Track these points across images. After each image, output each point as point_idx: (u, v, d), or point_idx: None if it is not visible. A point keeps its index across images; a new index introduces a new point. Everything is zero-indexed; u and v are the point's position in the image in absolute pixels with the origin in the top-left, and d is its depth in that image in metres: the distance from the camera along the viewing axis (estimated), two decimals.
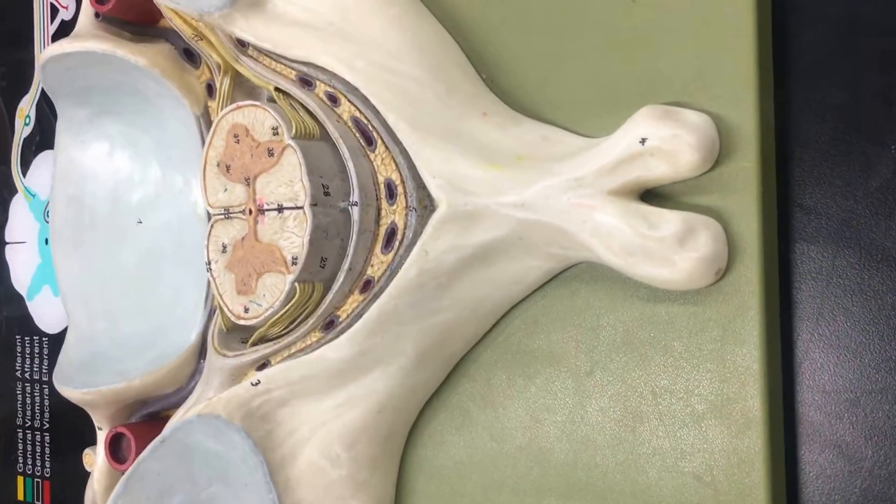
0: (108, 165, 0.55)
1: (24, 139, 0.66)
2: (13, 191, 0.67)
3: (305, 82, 0.46)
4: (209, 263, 0.48)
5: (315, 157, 0.44)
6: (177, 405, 0.51)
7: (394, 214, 0.43)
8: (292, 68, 0.46)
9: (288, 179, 0.45)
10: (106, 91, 0.53)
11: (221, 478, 0.47)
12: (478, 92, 0.44)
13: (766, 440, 0.38)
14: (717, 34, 0.39)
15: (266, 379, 0.45)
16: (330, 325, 0.45)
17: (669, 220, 0.38)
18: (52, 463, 0.64)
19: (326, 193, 0.44)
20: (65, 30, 0.63)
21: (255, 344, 0.47)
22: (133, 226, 0.55)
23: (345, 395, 0.45)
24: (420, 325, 0.44)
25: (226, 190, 0.47)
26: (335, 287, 0.44)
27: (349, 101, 0.44)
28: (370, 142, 0.44)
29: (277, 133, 0.45)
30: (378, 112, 0.43)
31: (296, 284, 0.44)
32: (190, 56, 0.51)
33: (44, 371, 0.65)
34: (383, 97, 0.43)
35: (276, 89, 0.47)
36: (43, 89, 0.60)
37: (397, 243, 0.43)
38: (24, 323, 0.66)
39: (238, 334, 0.49)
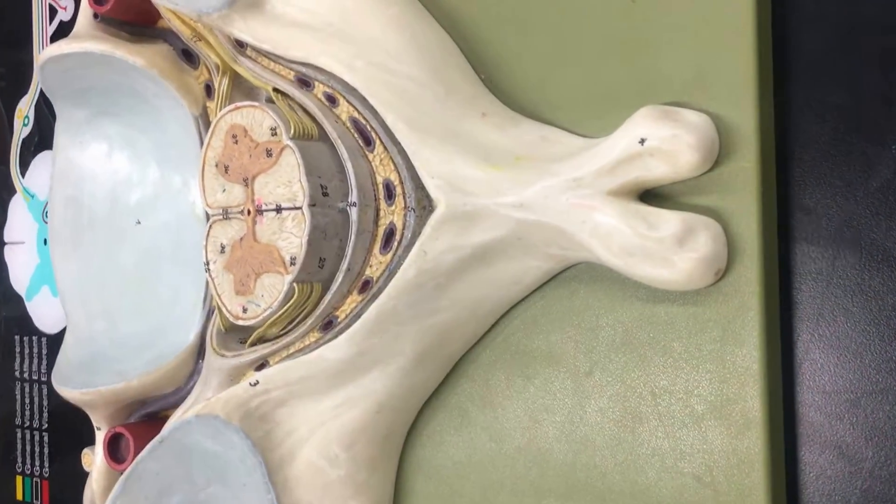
0: (106, 166, 0.55)
1: (23, 140, 0.66)
2: (12, 191, 0.67)
3: (304, 83, 0.45)
4: (207, 264, 0.48)
5: (313, 158, 0.44)
6: (175, 405, 0.50)
7: (392, 215, 0.43)
8: (291, 69, 0.46)
9: (286, 180, 0.44)
10: (104, 92, 0.53)
11: (220, 478, 0.46)
12: (477, 92, 0.44)
13: (766, 441, 0.38)
14: (716, 34, 0.39)
15: (265, 379, 0.45)
16: (328, 326, 0.44)
17: (669, 220, 0.38)
18: (51, 463, 0.64)
19: (325, 194, 0.43)
20: (63, 30, 0.62)
21: (253, 344, 0.47)
22: (132, 226, 0.55)
23: (343, 395, 0.45)
24: (419, 326, 0.43)
25: (224, 190, 0.47)
26: (334, 287, 0.44)
27: (348, 101, 0.44)
28: (369, 142, 0.44)
29: (276, 133, 0.45)
30: (377, 112, 0.43)
31: (294, 285, 0.44)
32: (188, 57, 0.51)
33: (43, 371, 0.64)
34: (382, 98, 0.43)
35: (275, 90, 0.46)
36: (42, 90, 0.60)
37: (396, 244, 0.43)
38: (23, 323, 0.66)
39: (236, 334, 0.49)
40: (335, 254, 0.44)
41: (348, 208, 0.44)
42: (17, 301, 0.66)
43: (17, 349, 0.66)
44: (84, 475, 0.53)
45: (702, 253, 0.38)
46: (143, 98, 0.52)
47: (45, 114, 0.64)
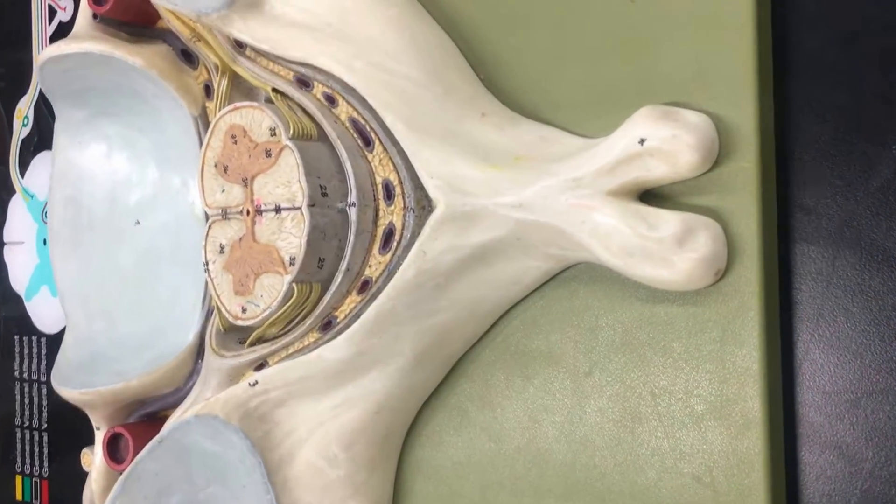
0: (105, 166, 0.55)
1: (23, 140, 0.65)
2: (11, 191, 0.66)
3: (303, 83, 0.45)
4: (207, 264, 0.48)
5: (313, 158, 0.44)
6: (175, 405, 0.50)
7: (392, 215, 0.43)
8: (290, 69, 0.45)
9: (285, 180, 0.44)
10: (104, 92, 0.53)
11: (219, 478, 0.46)
12: (476, 92, 0.44)
13: (766, 441, 0.38)
14: (716, 34, 0.39)
15: (264, 379, 0.44)
16: (328, 326, 0.44)
17: (668, 220, 0.38)
18: (51, 463, 0.64)
19: (324, 194, 0.43)
20: (63, 31, 0.62)
21: (252, 344, 0.47)
22: (131, 226, 0.55)
23: (343, 395, 0.44)
24: (418, 326, 0.43)
25: (223, 191, 0.47)
26: (333, 287, 0.44)
27: (347, 101, 0.44)
28: (368, 142, 0.43)
29: (275, 134, 0.45)
30: (376, 113, 0.43)
31: (293, 285, 0.44)
32: (188, 57, 0.51)
33: (42, 371, 0.64)
34: (381, 98, 0.43)
35: (274, 90, 0.46)
36: (41, 90, 0.60)
37: (395, 244, 0.43)
38: (23, 323, 0.65)
39: (236, 335, 0.49)
40: (334, 254, 0.44)
41: (347, 208, 0.43)
42: (16, 301, 0.66)
43: (17, 349, 0.66)
44: (83, 475, 0.53)
45: (701, 253, 0.37)
46: (142, 98, 0.52)
47: (45, 114, 0.64)
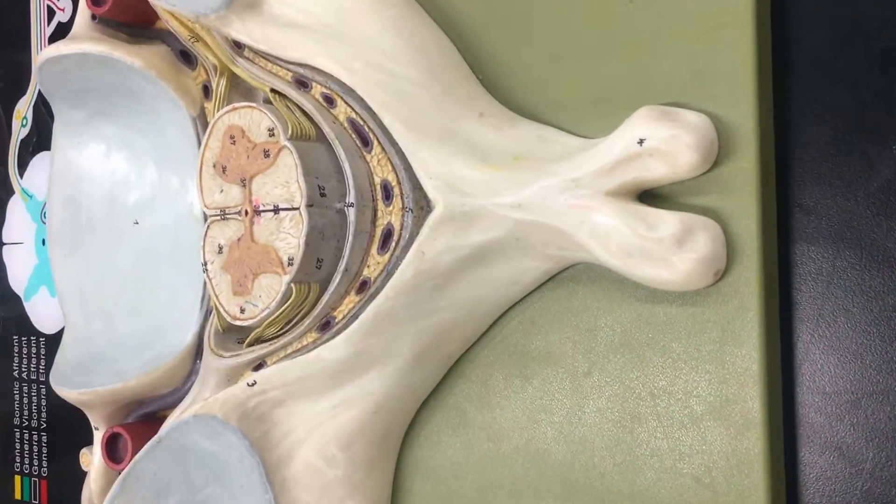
0: (104, 167, 0.54)
1: (22, 140, 0.65)
2: (10, 192, 0.66)
3: (301, 83, 0.45)
4: (205, 264, 0.47)
5: (311, 159, 0.43)
6: (173, 405, 0.50)
7: (390, 215, 0.42)
8: (288, 70, 0.45)
9: (284, 180, 0.44)
10: (102, 92, 0.52)
11: (218, 478, 0.46)
12: (474, 93, 0.43)
13: (766, 442, 0.37)
14: (715, 34, 0.38)
15: (262, 379, 0.44)
16: (326, 326, 0.44)
17: (668, 220, 0.37)
18: (49, 462, 0.64)
19: (322, 194, 0.43)
20: (61, 32, 0.62)
21: (251, 344, 0.46)
22: (130, 227, 0.54)
23: (341, 395, 0.44)
24: (417, 326, 0.43)
25: (222, 191, 0.46)
26: (331, 288, 0.43)
27: (345, 102, 0.43)
28: (366, 143, 0.43)
29: (273, 134, 0.44)
30: (374, 113, 0.42)
31: (292, 285, 0.43)
32: (186, 58, 0.50)
33: (41, 371, 0.64)
34: (379, 98, 0.42)
35: (273, 91, 0.46)
36: (40, 91, 0.59)
37: (394, 244, 0.42)
38: (22, 323, 0.65)
39: (234, 335, 0.48)
40: (333, 254, 0.43)
41: (346, 209, 0.43)
42: (15, 301, 0.66)
43: (16, 349, 0.65)
44: (82, 475, 0.53)
45: (701, 253, 0.37)
46: (140, 99, 0.52)
47: (44, 114, 0.63)
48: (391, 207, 0.42)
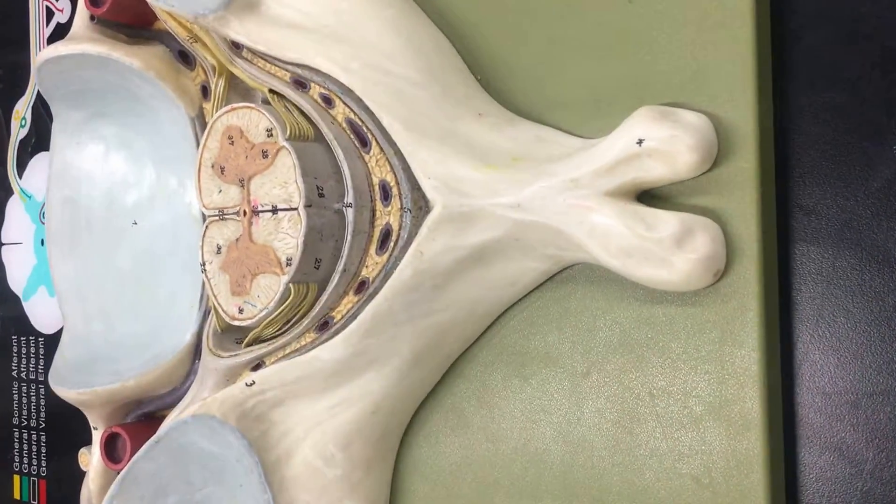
0: (103, 167, 0.54)
1: (20, 141, 0.65)
2: (9, 192, 0.66)
3: (300, 84, 0.44)
4: (204, 264, 0.47)
5: (309, 159, 0.43)
6: (172, 405, 0.49)
7: (388, 216, 0.42)
8: (286, 70, 0.45)
9: (282, 181, 0.43)
10: (101, 93, 0.52)
11: (216, 478, 0.45)
12: (473, 93, 0.43)
13: (765, 442, 0.37)
14: (715, 34, 0.38)
15: (260, 379, 0.44)
16: (324, 326, 0.43)
17: (667, 221, 0.37)
18: (48, 462, 0.63)
19: (321, 195, 0.42)
20: (60, 32, 0.62)
21: (249, 344, 0.46)
22: (128, 227, 0.54)
23: (339, 395, 0.43)
24: (415, 326, 0.42)
25: (220, 191, 0.46)
26: (330, 288, 0.43)
27: (344, 102, 0.43)
28: (365, 143, 0.43)
29: (272, 135, 0.44)
30: (372, 113, 0.42)
31: (290, 285, 0.43)
32: (185, 58, 0.50)
33: (40, 371, 0.64)
34: (378, 99, 0.42)
35: (271, 91, 0.45)
36: (39, 91, 0.59)
37: (392, 244, 0.42)
38: (21, 323, 0.65)
39: (233, 335, 0.48)
40: (331, 254, 0.43)
41: (344, 209, 0.42)
42: (14, 301, 0.65)
43: (15, 349, 0.65)
44: (81, 474, 0.52)
45: (700, 254, 0.37)
46: (139, 99, 0.51)
47: (42, 115, 0.63)
48: (390, 208, 0.42)
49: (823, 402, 0.38)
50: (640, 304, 0.40)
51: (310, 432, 0.44)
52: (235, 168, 0.45)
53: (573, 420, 0.41)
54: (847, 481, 0.37)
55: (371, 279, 0.42)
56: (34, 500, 0.64)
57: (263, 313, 0.44)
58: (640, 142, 0.37)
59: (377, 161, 0.42)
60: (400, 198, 0.42)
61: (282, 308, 0.43)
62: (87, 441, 0.52)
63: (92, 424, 0.51)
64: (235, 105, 0.46)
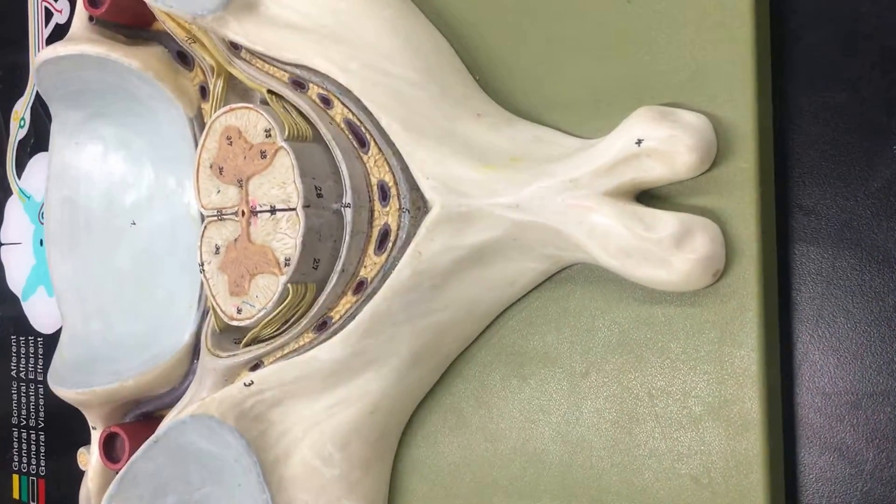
0: (101, 167, 0.54)
1: (20, 141, 0.65)
2: (8, 192, 0.66)
3: (298, 84, 0.44)
4: (202, 264, 0.46)
5: (308, 159, 0.42)
6: (170, 405, 0.49)
7: (387, 216, 0.41)
8: (285, 70, 0.44)
9: (280, 181, 0.43)
10: (100, 94, 0.51)
11: (215, 478, 0.45)
12: (472, 93, 0.42)
13: (765, 442, 0.36)
14: (714, 34, 0.37)
15: (259, 379, 0.43)
16: (323, 327, 0.43)
17: (666, 221, 0.36)
18: (47, 462, 0.63)
19: (319, 195, 0.42)
20: (59, 33, 0.61)
21: (248, 345, 0.46)
22: (127, 227, 0.53)
23: (338, 395, 0.43)
24: (414, 327, 0.42)
25: (219, 191, 0.45)
26: (328, 288, 0.42)
27: (342, 102, 0.42)
28: (363, 143, 0.42)
29: (270, 135, 0.43)
30: (371, 114, 0.41)
31: (288, 285, 0.42)
32: (183, 59, 0.50)
33: (39, 371, 0.63)
34: (376, 99, 0.41)
35: (269, 91, 0.45)
36: (37, 92, 0.59)
37: (390, 244, 0.41)
38: (20, 323, 0.65)
39: (231, 335, 0.47)
40: (329, 255, 0.42)
41: (343, 209, 0.42)
42: (13, 301, 0.65)
43: (14, 349, 0.65)
44: (80, 474, 0.52)
45: (699, 254, 0.36)
46: (138, 100, 0.51)
47: (41, 115, 0.63)
48: (388, 208, 0.41)
49: (823, 403, 0.37)
50: (639, 304, 0.39)
51: (308, 432, 0.44)
52: (234, 168, 0.45)
53: (572, 420, 0.41)
54: (847, 482, 0.37)
55: (369, 279, 0.42)
56: (33, 499, 0.63)
57: (262, 313, 0.43)
58: (639, 142, 0.36)
59: (375, 161, 0.42)
60: (398, 198, 0.41)
61: (280, 308, 0.43)
62: (86, 441, 0.51)
63: (91, 424, 0.51)
64: (234, 105, 0.45)
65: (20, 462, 0.64)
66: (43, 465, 0.63)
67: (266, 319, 0.44)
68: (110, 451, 0.50)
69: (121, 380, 0.49)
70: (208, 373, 0.46)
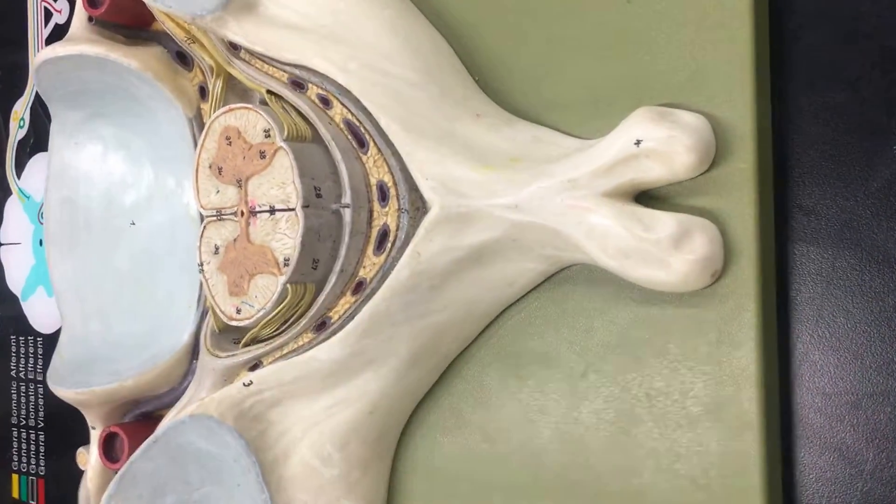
0: (101, 167, 0.53)
1: (19, 141, 0.64)
2: (8, 192, 0.65)
3: (297, 85, 0.43)
4: (201, 265, 0.46)
5: (307, 160, 0.42)
6: (170, 405, 0.49)
7: (386, 216, 0.41)
8: (284, 71, 0.44)
9: (280, 181, 0.42)
10: (99, 94, 0.51)
11: (214, 478, 0.45)
12: (471, 94, 0.42)
13: (762, 443, 0.36)
14: (713, 34, 0.37)
15: (258, 380, 0.43)
16: (322, 327, 0.43)
17: (665, 221, 0.36)
18: (47, 461, 0.63)
19: (318, 195, 0.42)
20: (59, 33, 0.61)
21: (247, 345, 0.45)
22: (126, 227, 0.53)
23: (337, 395, 0.43)
24: (412, 327, 0.41)
25: (218, 192, 0.45)
26: (327, 288, 0.42)
27: (341, 103, 0.42)
28: (362, 144, 0.42)
29: (269, 135, 0.43)
30: (370, 114, 0.41)
31: (287, 286, 0.42)
32: (182, 59, 0.49)
33: (38, 370, 0.63)
34: (375, 99, 0.41)
35: (269, 92, 0.44)
36: (37, 92, 0.59)
37: (389, 245, 0.41)
38: (19, 323, 0.64)
39: (230, 335, 0.47)
40: (329, 255, 0.42)
41: (342, 210, 0.42)
42: (12, 301, 0.65)
43: (13, 349, 0.65)
44: (79, 474, 0.52)
45: (698, 254, 0.36)
46: (137, 100, 0.51)
47: (41, 116, 0.62)
48: (387, 208, 0.41)
49: (824, 403, 0.37)
50: (637, 304, 0.39)
51: (307, 432, 0.43)
52: (233, 169, 0.44)
53: (570, 420, 0.40)
54: (847, 482, 0.36)
55: (368, 280, 0.41)
56: (33, 499, 0.63)
57: (261, 314, 0.43)
58: (637, 142, 0.36)
59: (375, 162, 0.41)
60: (397, 198, 0.41)
61: (279, 308, 0.43)
62: (86, 440, 0.51)
63: (90, 424, 0.51)
64: (233, 106, 0.45)
65: (20, 462, 0.64)
66: (42, 464, 0.63)
67: (265, 319, 0.43)
68: (109, 450, 0.49)
69: (120, 380, 0.49)
70: (207, 373, 0.46)
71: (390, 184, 0.41)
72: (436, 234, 0.39)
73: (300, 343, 0.43)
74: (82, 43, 0.49)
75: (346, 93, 0.42)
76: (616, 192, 0.37)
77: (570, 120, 0.40)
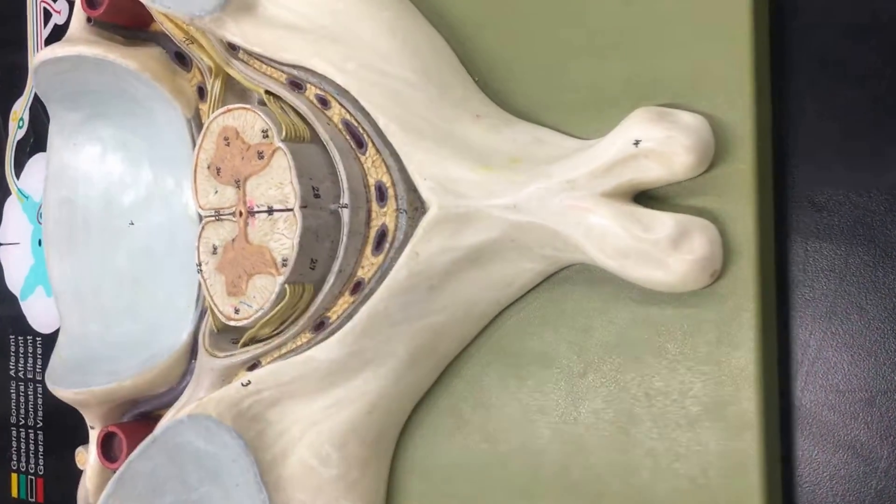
0: (100, 168, 0.53)
1: (18, 141, 0.64)
2: (7, 193, 0.65)
3: (296, 85, 0.43)
4: (200, 265, 0.46)
5: (305, 160, 0.42)
6: (168, 405, 0.48)
7: (384, 217, 0.41)
8: (283, 71, 0.43)
9: (278, 182, 0.42)
10: (98, 94, 0.51)
11: (212, 478, 0.44)
12: (470, 94, 0.42)
13: (762, 443, 0.35)
14: (712, 34, 0.37)
15: (256, 379, 0.42)
16: (320, 327, 0.42)
17: (663, 222, 0.36)
18: (46, 461, 0.62)
19: (316, 196, 0.41)
20: (58, 34, 0.60)
21: (245, 345, 0.45)
22: (125, 227, 0.53)
23: (336, 395, 0.42)
24: (411, 327, 0.41)
25: (216, 192, 0.45)
26: (325, 289, 0.42)
27: (339, 103, 0.42)
28: (361, 144, 0.41)
29: (267, 136, 0.43)
30: (368, 115, 0.41)
31: (286, 286, 0.42)
32: (181, 59, 0.49)
33: (37, 370, 0.63)
34: (374, 100, 0.41)
35: (267, 92, 0.44)
36: (36, 93, 0.58)
37: (388, 245, 0.41)
38: (18, 323, 0.64)
39: (229, 335, 0.47)
40: (327, 255, 0.42)
41: (340, 210, 0.41)
42: (11, 301, 0.64)
43: (13, 348, 0.64)
44: (78, 473, 0.51)
45: (697, 255, 0.35)
46: (136, 100, 0.50)
47: (40, 116, 0.62)
48: (385, 209, 0.41)
49: (837, 400, 0.36)
50: (636, 304, 0.38)
51: (306, 432, 0.43)
52: (231, 169, 0.44)
53: (570, 420, 0.40)
54: (861, 479, 0.36)
55: (367, 280, 0.41)
56: (32, 498, 0.63)
57: (259, 314, 0.43)
58: (636, 143, 0.36)
59: (373, 162, 0.41)
60: (396, 199, 0.40)
61: (277, 308, 0.42)
62: (85, 440, 0.51)
63: (89, 424, 0.50)
64: (231, 106, 0.44)
65: (19, 461, 0.64)
66: (41, 464, 0.63)
67: (263, 320, 0.43)
68: (108, 450, 0.49)
69: (118, 380, 0.48)
70: (206, 373, 0.45)
71: (388, 184, 0.41)
72: (434, 235, 0.39)
73: (298, 343, 0.43)
74: (81, 44, 0.48)
75: (345, 93, 0.41)
76: (615, 193, 0.37)
77: (570, 120, 0.40)
